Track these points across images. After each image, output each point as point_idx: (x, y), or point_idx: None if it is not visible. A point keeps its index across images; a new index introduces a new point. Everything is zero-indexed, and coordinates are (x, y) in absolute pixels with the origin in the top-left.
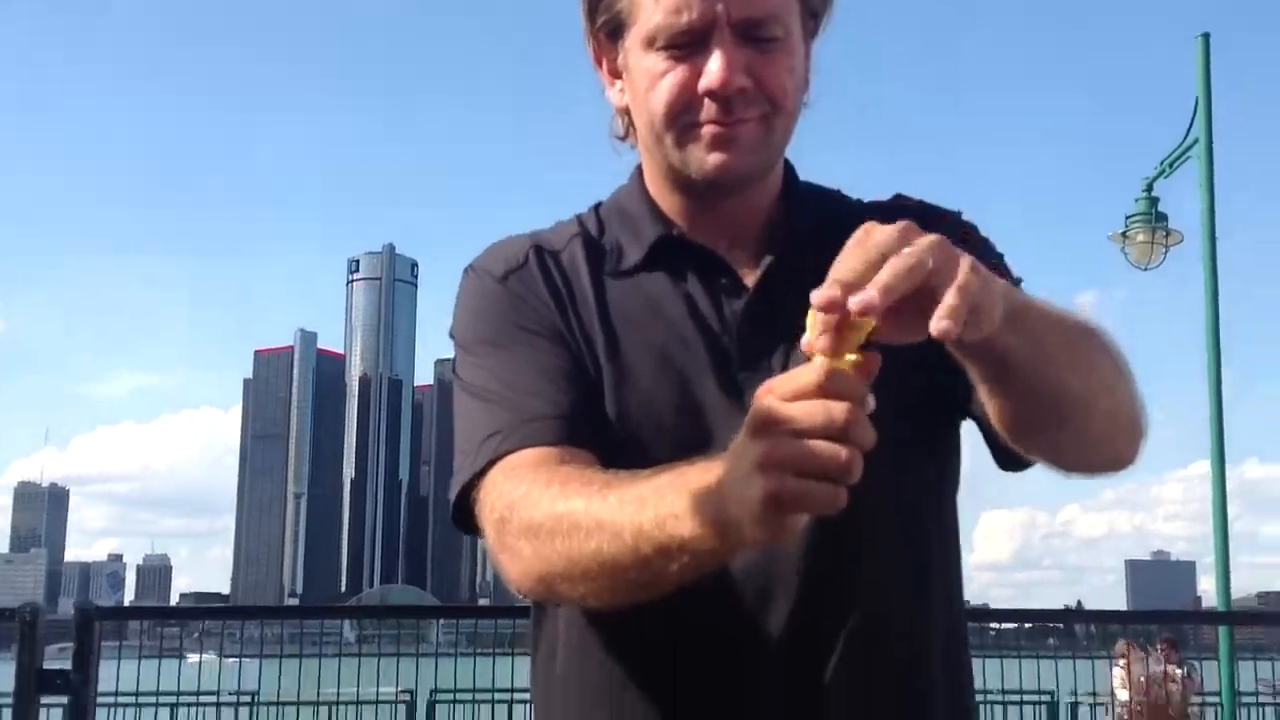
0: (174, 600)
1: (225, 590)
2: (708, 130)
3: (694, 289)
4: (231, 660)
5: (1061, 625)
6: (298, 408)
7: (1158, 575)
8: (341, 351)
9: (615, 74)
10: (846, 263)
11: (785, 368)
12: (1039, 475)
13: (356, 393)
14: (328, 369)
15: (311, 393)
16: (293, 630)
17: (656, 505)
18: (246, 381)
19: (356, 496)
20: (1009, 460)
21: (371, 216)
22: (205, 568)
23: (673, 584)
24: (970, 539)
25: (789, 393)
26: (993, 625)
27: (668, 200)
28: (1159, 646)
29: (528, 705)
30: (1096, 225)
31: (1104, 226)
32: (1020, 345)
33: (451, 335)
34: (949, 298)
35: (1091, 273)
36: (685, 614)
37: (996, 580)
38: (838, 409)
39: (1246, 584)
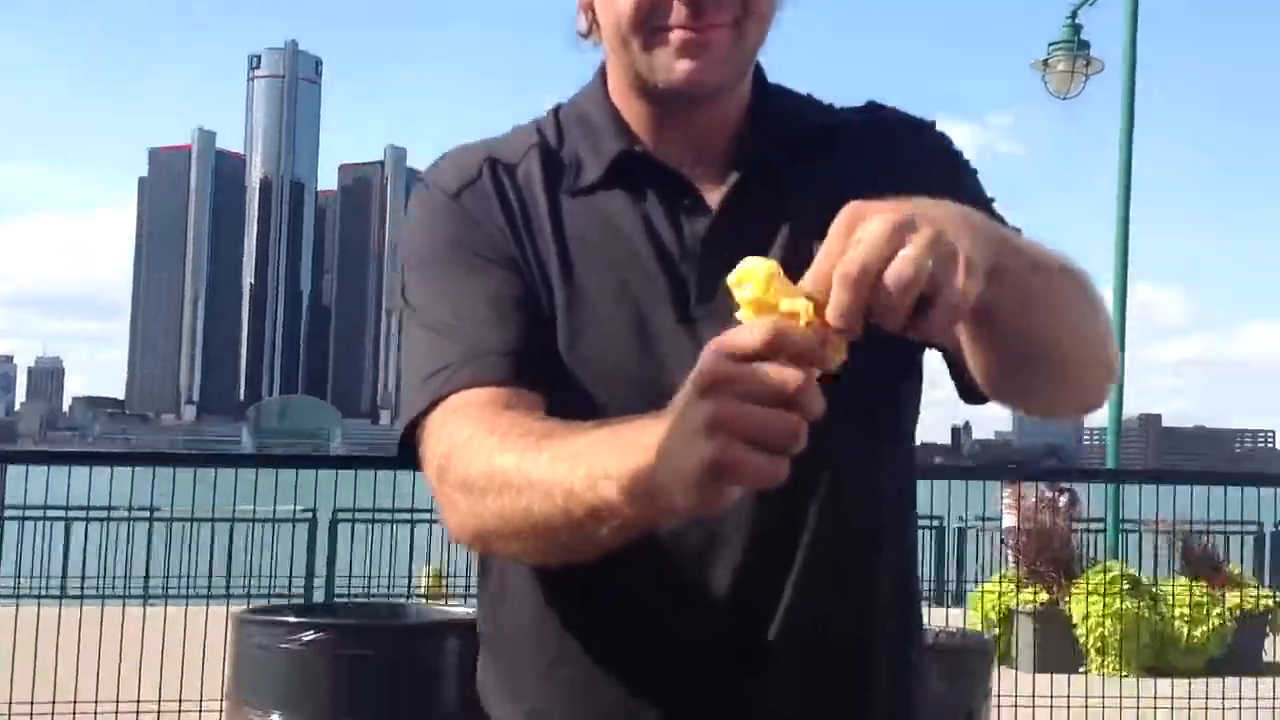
0: (66, 404)
1: (120, 394)
2: (677, 35)
3: (653, 210)
4: (124, 470)
5: (950, 443)
6: (195, 209)
7: None
8: (241, 152)
9: None
10: (829, 258)
11: None
12: None
13: (257, 195)
14: (227, 170)
15: (210, 194)
16: (190, 439)
17: (589, 464)
18: (141, 180)
19: (256, 303)
20: (971, 395)
21: (274, 9)
22: (99, 371)
23: (604, 546)
24: None
25: (740, 351)
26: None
27: (631, 107)
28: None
29: (430, 524)
30: (1021, 49)
31: (1029, 52)
32: (1002, 299)
33: (399, 256)
34: (948, 307)
35: (1010, 96)
36: (631, 568)
37: None
38: (790, 375)
39: (1130, 406)
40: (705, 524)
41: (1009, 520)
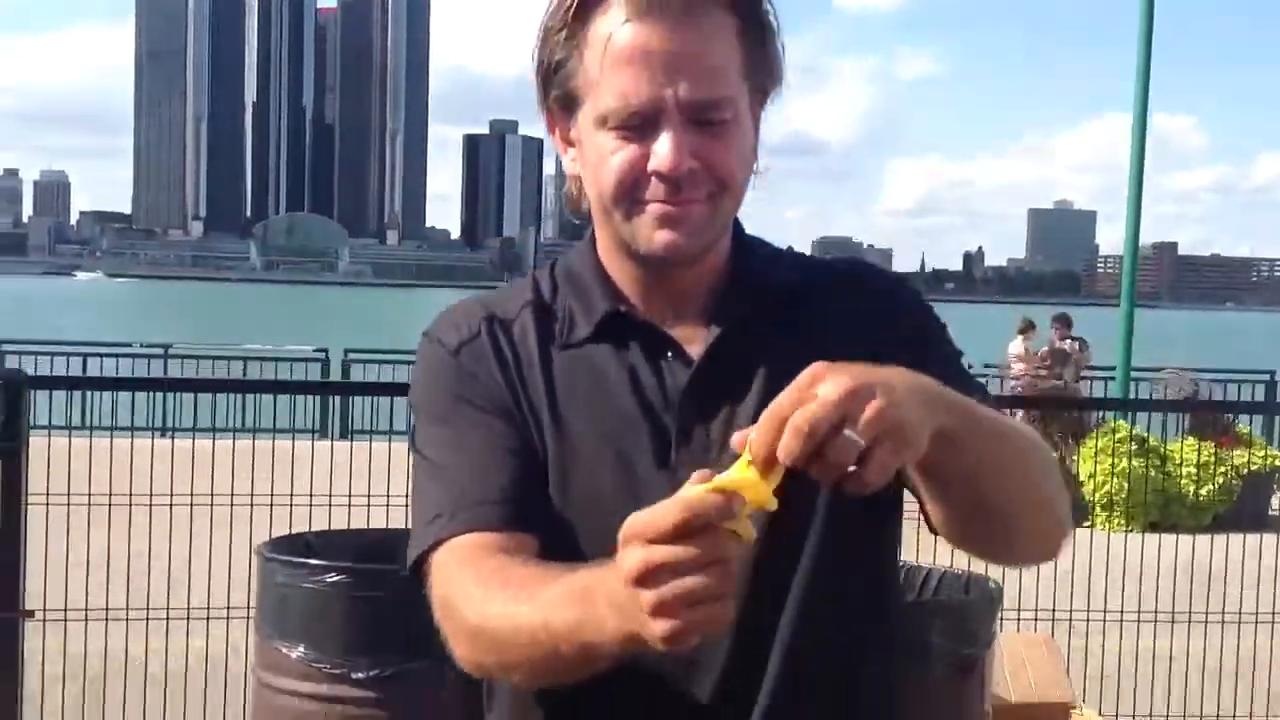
0: (74, 219)
1: (126, 210)
2: (655, 209)
3: (638, 363)
4: (121, 280)
5: (961, 270)
6: (194, 25)
7: (1058, 224)
8: None
9: (569, 143)
10: (783, 407)
11: (728, 437)
12: (945, 125)
13: (256, 8)
14: None
15: (208, 8)
16: (197, 254)
17: (580, 611)
18: None
19: (259, 120)
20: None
21: None
22: (105, 187)
23: (596, 669)
24: (879, 186)
25: (659, 535)
26: (894, 270)
27: (619, 269)
28: (1052, 325)
29: None
30: None
31: None
32: (951, 461)
33: (408, 401)
34: (878, 471)
35: None
36: (615, 682)
37: (901, 227)
38: (704, 550)
39: (1149, 233)
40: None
41: (1018, 369)
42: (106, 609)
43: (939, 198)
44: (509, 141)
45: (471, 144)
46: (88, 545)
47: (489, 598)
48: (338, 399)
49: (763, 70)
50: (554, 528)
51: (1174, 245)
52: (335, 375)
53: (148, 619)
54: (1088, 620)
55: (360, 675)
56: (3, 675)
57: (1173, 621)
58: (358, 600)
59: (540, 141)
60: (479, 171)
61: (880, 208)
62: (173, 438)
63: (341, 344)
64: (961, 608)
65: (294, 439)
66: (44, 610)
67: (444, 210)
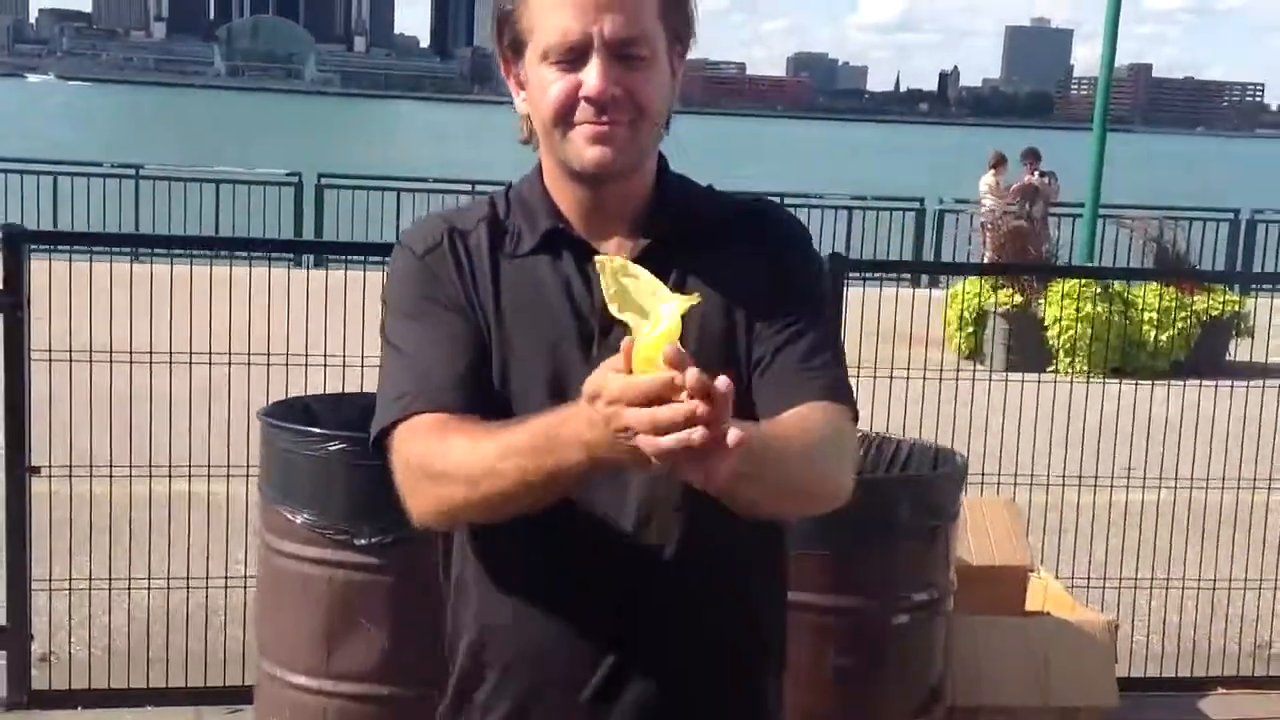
0: (33, 15)
1: (87, 9)
2: (585, 129)
3: (571, 272)
4: (75, 83)
5: (936, 90)
6: None
7: (1035, 43)
8: None
9: (520, 85)
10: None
11: None
12: None
13: None
14: None
15: None
16: (160, 57)
17: (545, 443)
18: None
19: None
20: None
21: None
22: None
23: (556, 495)
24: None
25: (647, 394)
26: (868, 90)
27: (560, 192)
28: (1022, 160)
29: (416, 194)
30: None
31: None
32: (739, 487)
33: (382, 298)
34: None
35: None
36: (559, 524)
37: (877, 43)
38: (679, 412)
39: (1124, 54)
40: (611, 499)
41: (989, 204)
42: (111, 464)
43: (917, 12)
44: None
45: None
46: (90, 399)
47: (452, 446)
48: (312, 224)
49: (679, 22)
50: (495, 411)
51: (1149, 67)
52: (309, 198)
53: (150, 475)
54: (1048, 481)
55: (362, 541)
56: (11, 527)
57: (1128, 484)
58: (360, 468)
59: None
60: None
61: (857, 21)
62: (151, 263)
63: (313, 163)
64: (929, 482)
65: (269, 265)
66: (49, 466)
67: (413, 16)
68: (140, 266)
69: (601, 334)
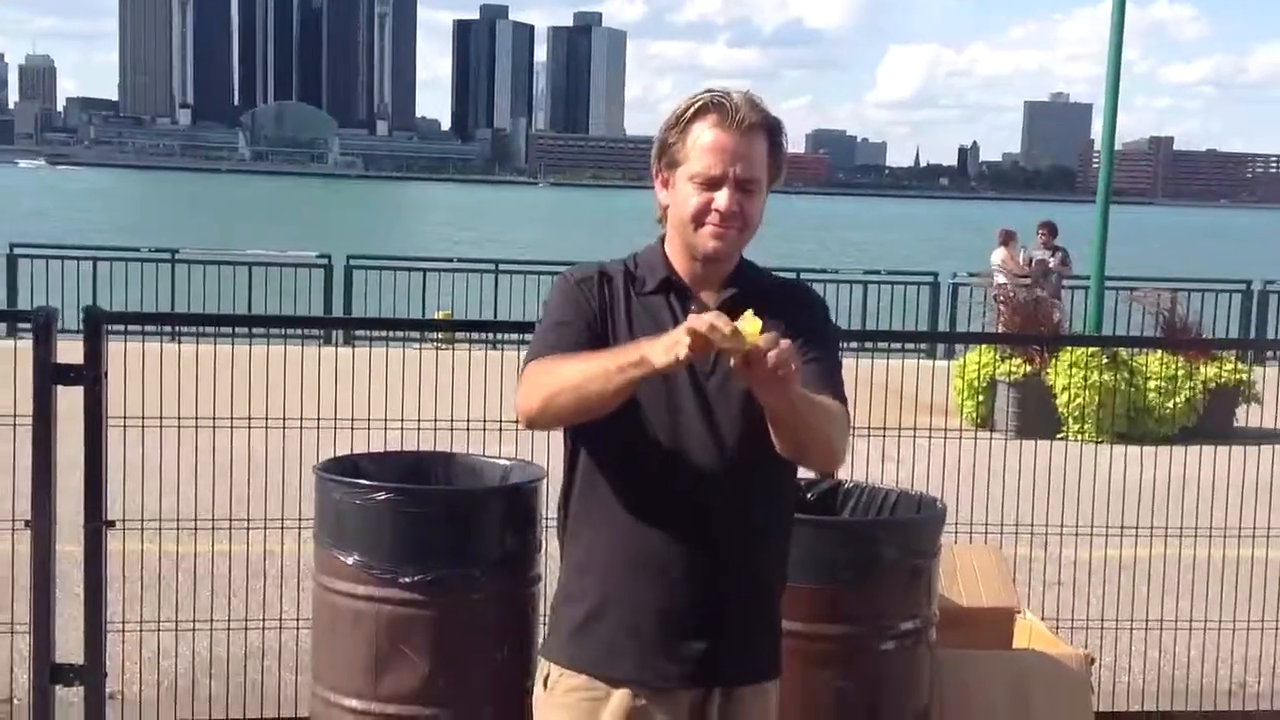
0: (60, 105)
1: (114, 97)
2: (711, 229)
3: (676, 306)
4: (65, 168)
5: (956, 165)
6: None
7: (1055, 117)
8: None
9: (665, 185)
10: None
11: (719, 352)
12: (946, 6)
13: None
14: None
15: None
16: (186, 143)
17: (630, 351)
18: None
19: (245, 5)
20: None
21: None
22: (92, 73)
23: (622, 391)
24: (873, 76)
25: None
26: (887, 165)
27: (677, 259)
28: (1038, 231)
29: (441, 274)
30: None
31: None
32: (792, 412)
33: (542, 304)
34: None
35: None
36: (656, 488)
37: (895, 119)
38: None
39: (1144, 127)
40: (680, 481)
41: (1000, 279)
42: (178, 520)
43: (935, 88)
44: (499, 27)
45: (462, 30)
46: (160, 462)
47: (562, 362)
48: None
49: (776, 168)
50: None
51: (1170, 140)
52: (338, 280)
53: (213, 529)
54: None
55: (407, 579)
56: (89, 576)
57: (1121, 535)
58: (404, 515)
59: (531, 28)
60: (469, 59)
61: (876, 98)
62: (197, 342)
63: (340, 244)
64: (912, 525)
65: (303, 344)
66: (123, 520)
67: (433, 100)
68: (186, 346)
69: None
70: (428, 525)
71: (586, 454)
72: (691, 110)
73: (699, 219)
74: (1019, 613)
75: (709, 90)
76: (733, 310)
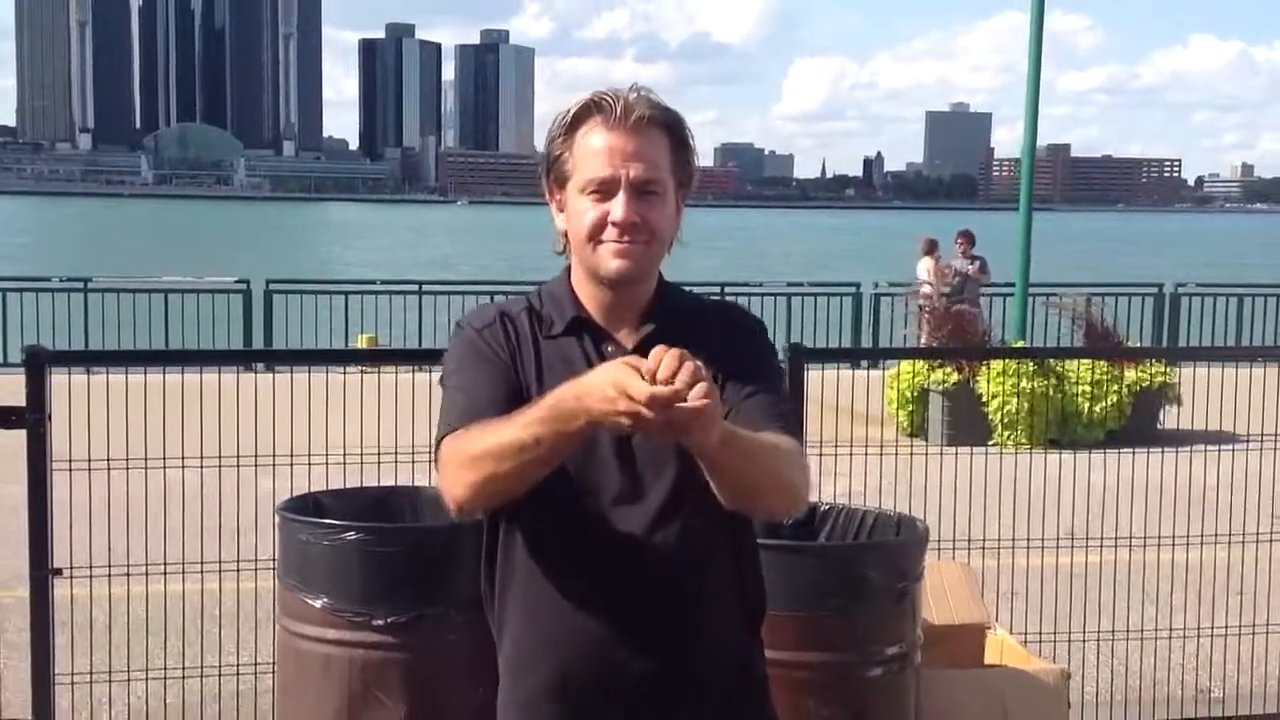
0: None
1: (11, 123)
2: (611, 246)
3: (590, 350)
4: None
5: (862, 175)
6: None
7: (955, 127)
8: None
9: (560, 209)
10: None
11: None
12: (850, 19)
13: None
14: None
15: None
16: (87, 169)
17: (552, 413)
18: None
19: (146, 26)
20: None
21: None
22: None
23: (552, 460)
24: (780, 89)
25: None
26: (795, 177)
27: (585, 289)
28: (956, 241)
29: (364, 295)
30: None
31: None
32: (726, 455)
33: (443, 361)
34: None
35: None
36: (590, 568)
37: (801, 131)
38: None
39: (1042, 135)
40: (617, 548)
41: (926, 290)
42: (128, 564)
43: (840, 100)
44: (406, 46)
45: (368, 49)
46: (108, 505)
47: (481, 435)
48: (262, 330)
49: (683, 169)
50: None
51: (1067, 147)
52: (258, 304)
53: (165, 572)
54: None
55: (379, 621)
56: (37, 626)
57: (1073, 545)
58: (375, 554)
59: (438, 46)
60: (376, 78)
61: (782, 110)
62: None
63: (253, 268)
64: (896, 547)
65: (219, 373)
66: (70, 567)
67: (341, 119)
68: (96, 377)
69: None
70: (400, 564)
71: (504, 529)
72: (573, 115)
73: (594, 234)
74: (989, 628)
75: (595, 91)
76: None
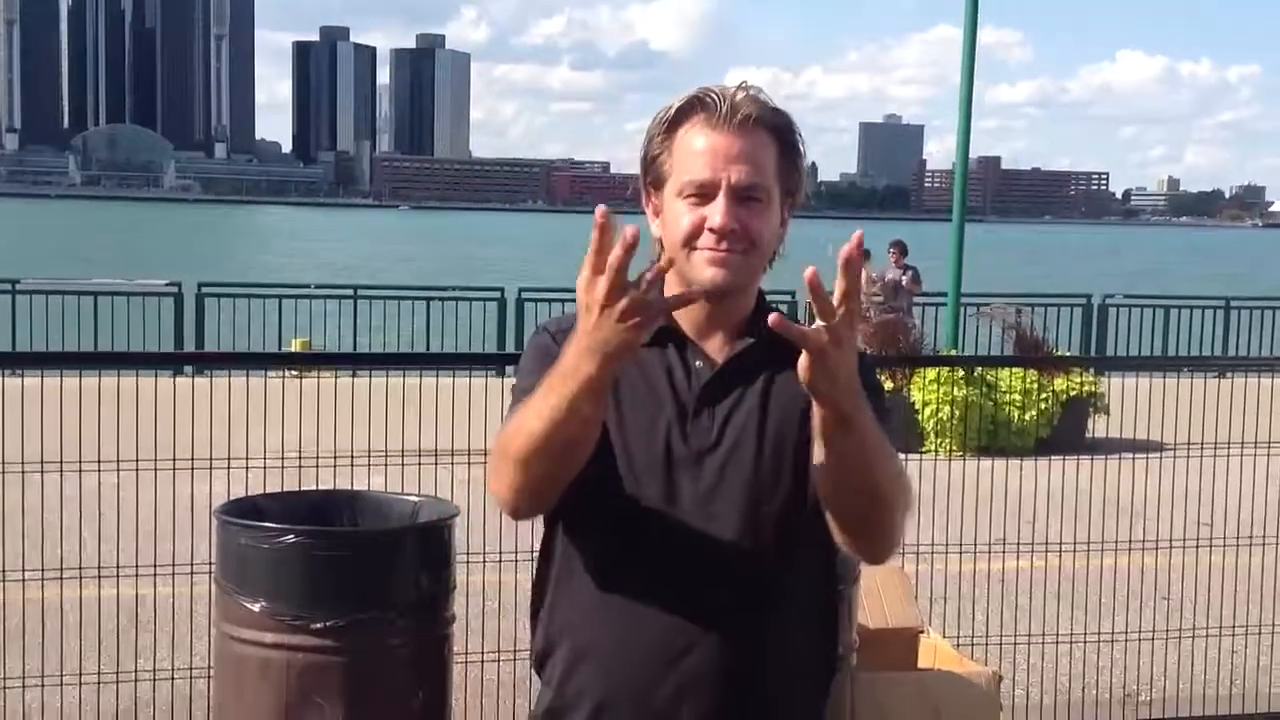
0: None
1: None
2: (706, 253)
3: (674, 362)
4: None
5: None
6: None
7: (888, 138)
8: None
9: (656, 213)
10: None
11: (726, 420)
12: (786, 30)
13: None
14: None
15: None
16: (13, 169)
17: (558, 377)
18: None
19: (75, 25)
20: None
21: None
22: None
23: (575, 424)
24: None
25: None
26: None
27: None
28: (889, 250)
29: (299, 300)
30: None
31: None
32: (843, 437)
33: (518, 364)
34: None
35: None
36: (654, 569)
37: None
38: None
39: (973, 147)
40: (688, 563)
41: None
42: (61, 568)
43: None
44: (340, 49)
45: (301, 51)
46: (42, 510)
47: (506, 427)
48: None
49: (790, 178)
50: (600, 458)
51: (997, 159)
52: (189, 308)
53: (99, 576)
54: (932, 551)
55: (319, 625)
56: None
57: (1004, 551)
58: (314, 558)
59: (373, 50)
60: (310, 81)
61: None
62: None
63: (187, 272)
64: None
65: (155, 376)
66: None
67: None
68: (11, 380)
69: (694, 414)
70: (340, 568)
71: (564, 539)
72: (675, 112)
73: (689, 240)
74: (923, 632)
75: (700, 87)
76: (749, 362)
